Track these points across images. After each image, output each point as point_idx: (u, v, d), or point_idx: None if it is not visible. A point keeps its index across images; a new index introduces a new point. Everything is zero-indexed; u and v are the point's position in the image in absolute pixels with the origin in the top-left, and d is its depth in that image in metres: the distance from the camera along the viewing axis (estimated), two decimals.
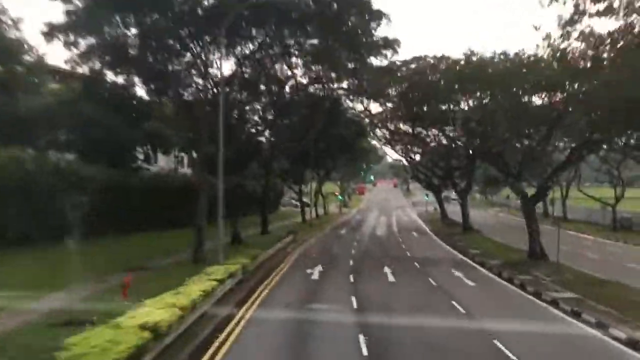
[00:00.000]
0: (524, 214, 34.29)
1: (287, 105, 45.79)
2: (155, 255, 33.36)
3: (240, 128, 48.35)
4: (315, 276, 27.36)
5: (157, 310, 12.85)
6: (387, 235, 55.33)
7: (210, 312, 17.06)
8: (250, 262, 26.14)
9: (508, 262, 33.36)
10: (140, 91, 43.43)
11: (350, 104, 67.43)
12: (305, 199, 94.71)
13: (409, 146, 72.82)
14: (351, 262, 33.24)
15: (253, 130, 51.08)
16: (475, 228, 55.41)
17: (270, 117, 49.62)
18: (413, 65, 46.25)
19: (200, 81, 37.99)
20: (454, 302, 20.77)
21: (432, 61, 44.47)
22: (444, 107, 39.61)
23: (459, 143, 55.52)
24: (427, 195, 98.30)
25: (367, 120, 67.69)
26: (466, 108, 40.40)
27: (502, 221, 77.94)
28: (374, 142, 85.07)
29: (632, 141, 41.67)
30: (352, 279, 26.50)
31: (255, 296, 21.23)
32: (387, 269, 29.81)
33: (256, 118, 52.96)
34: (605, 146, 35.46)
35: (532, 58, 28.98)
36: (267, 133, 53.24)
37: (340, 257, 36.61)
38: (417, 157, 74.76)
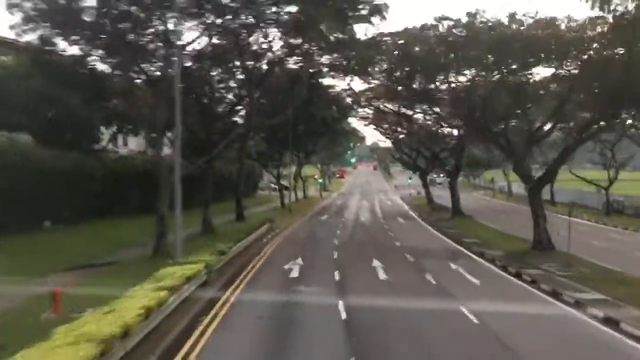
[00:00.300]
0: (529, 199, 30.73)
1: (263, 80, 41.52)
2: (112, 248, 29.23)
3: (213, 107, 44.23)
4: (294, 273, 23.44)
5: (64, 347, 8.80)
6: (372, 221, 51.60)
7: (146, 343, 12.35)
8: (217, 258, 22.11)
9: (511, 252, 29.83)
10: (102, 66, 38.96)
11: (333, 81, 64.00)
12: (284, 183, 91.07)
13: (393, 126, 69.16)
14: (335, 255, 29.33)
15: (228, 109, 47.08)
16: (465, 213, 51.88)
17: (244, 93, 45.67)
18: (401, 42, 42.18)
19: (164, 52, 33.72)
20: (462, 309, 16.97)
21: (424, 31, 40.41)
22: (436, 82, 35.65)
23: (448, 123, 52.02)
24: (410, 178, 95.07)
25: (349, 99, 63.87)
26: (459, 82, 36.55)
27: (490, 205, 74.85)
28: (354, 124, 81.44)
29: (629, 121, 38.58)
30: (337, 277, 22.66)
31: (217, 308, 17.15)
32: (376, 263, 26.03)
33: (231, 97, 48.86)
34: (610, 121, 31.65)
35: (545, 21, 25.17)
36: (243, 113, 49.44)
37: (323, 248, 32.76)
38: (402, 137, 70.99)
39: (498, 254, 29.59)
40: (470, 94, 31.73)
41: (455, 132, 58.88)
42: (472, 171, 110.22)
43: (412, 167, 75.07)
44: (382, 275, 23.39)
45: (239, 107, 46.50)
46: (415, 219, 53.78)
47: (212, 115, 43.03)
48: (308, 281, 21.93)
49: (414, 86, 40.98)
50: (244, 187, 79.28)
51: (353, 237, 39.07)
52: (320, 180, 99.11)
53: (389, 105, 62.28)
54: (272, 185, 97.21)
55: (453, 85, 34.61)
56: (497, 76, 28.89)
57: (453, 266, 25.87)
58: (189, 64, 38.91)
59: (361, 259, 27.84)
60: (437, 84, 36.35)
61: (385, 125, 70.33)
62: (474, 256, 29.66)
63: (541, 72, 31.74)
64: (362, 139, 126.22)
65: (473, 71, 31.74)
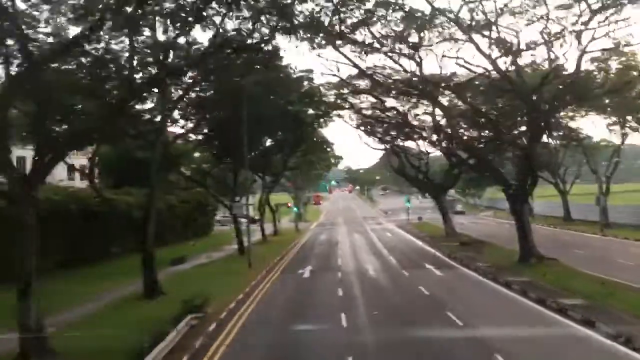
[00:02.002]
0: None
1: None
2: None
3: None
4: None
5: None
6: (390, 276, 29.07)
7: None
8: None
9: None
10: None
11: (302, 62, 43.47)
12: (249, 214, 69.48)
13: (393, 130, 48.33)
14: None
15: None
16: (544, 254, 30.19)
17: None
18: None
19: None
20: None
21: None
22: None
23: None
24: (408, 200, 73.99)
25: (331, 91, 43.50)
26: None
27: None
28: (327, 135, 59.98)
29: None
30: None
31: None
32: None
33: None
34: None
35: None
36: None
37: None
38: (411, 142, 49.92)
39: None
40: None
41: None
42: (474, 189, 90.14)
43: (420, 184, 53.40)
44: None
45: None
46: (455, 267, 32.01)
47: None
48: None
49: None
50: (193, 223, 57.50)
51: (386, 346, 16.82)
52: (296, 209, 76.82)
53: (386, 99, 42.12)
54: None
55: None
56: None
57: None
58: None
59: None
60: None
61: (380, 129, 49.40)
62: None
63: None
64: (339, 159, 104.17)
65: None
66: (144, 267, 23.58)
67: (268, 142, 49.53)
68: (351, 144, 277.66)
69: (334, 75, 36.42)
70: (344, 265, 34.03)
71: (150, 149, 27.05)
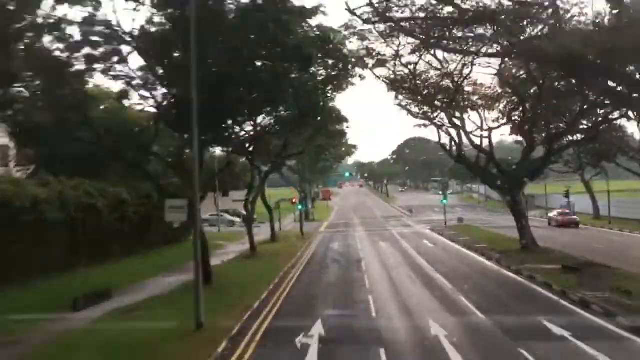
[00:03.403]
0: None
1: None
2: None
3: None
4: None
5: None
6: None
7: None
8: None
9: None
10: None
11: None
12: (243, 212, 54.11)
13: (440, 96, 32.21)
14: None
15: None
16: None
17: None
18: None
19: None
20: None
21: None
22: None
23: None
24: (445, 197, 58.09)
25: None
26: None
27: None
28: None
29: None
30: None
31: None
32: None
33: None
34: None
35: None
36: None
37: None
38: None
39: None
40: None
41: None
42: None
43: (484, 173, 36.60)
44: None
45: None
46: (604, 328, 15.47)
47: None
48: None
49: None
50: (157, 226, 41.17)
51: None
52: (301, 206, 60.19)
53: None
54: (229, 217, 60.85)
55: None
56: None
57: None
58: None
59: None
60: None
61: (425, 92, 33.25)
62: None
63: None
64: (353, 148, 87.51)
65: None
66: None
67: (260, 119, 33.84)
68: (360, 135, 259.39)
69: None
70: (385, 319, 17.46)
71: None
